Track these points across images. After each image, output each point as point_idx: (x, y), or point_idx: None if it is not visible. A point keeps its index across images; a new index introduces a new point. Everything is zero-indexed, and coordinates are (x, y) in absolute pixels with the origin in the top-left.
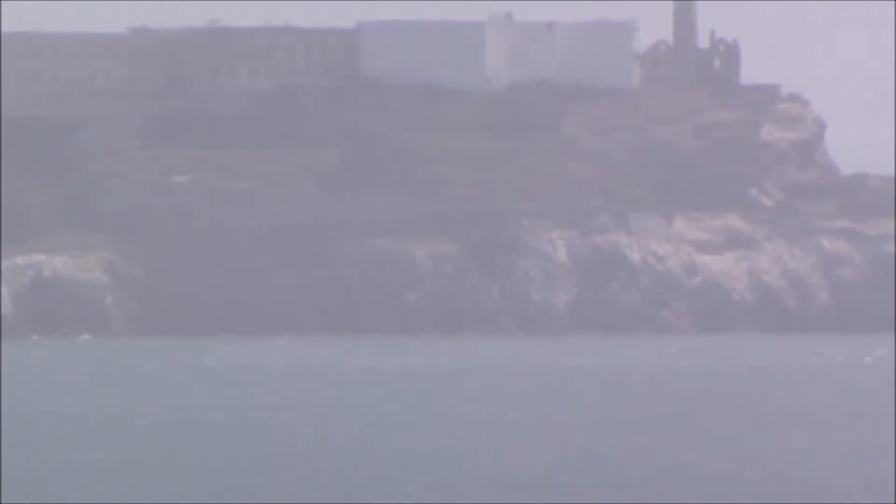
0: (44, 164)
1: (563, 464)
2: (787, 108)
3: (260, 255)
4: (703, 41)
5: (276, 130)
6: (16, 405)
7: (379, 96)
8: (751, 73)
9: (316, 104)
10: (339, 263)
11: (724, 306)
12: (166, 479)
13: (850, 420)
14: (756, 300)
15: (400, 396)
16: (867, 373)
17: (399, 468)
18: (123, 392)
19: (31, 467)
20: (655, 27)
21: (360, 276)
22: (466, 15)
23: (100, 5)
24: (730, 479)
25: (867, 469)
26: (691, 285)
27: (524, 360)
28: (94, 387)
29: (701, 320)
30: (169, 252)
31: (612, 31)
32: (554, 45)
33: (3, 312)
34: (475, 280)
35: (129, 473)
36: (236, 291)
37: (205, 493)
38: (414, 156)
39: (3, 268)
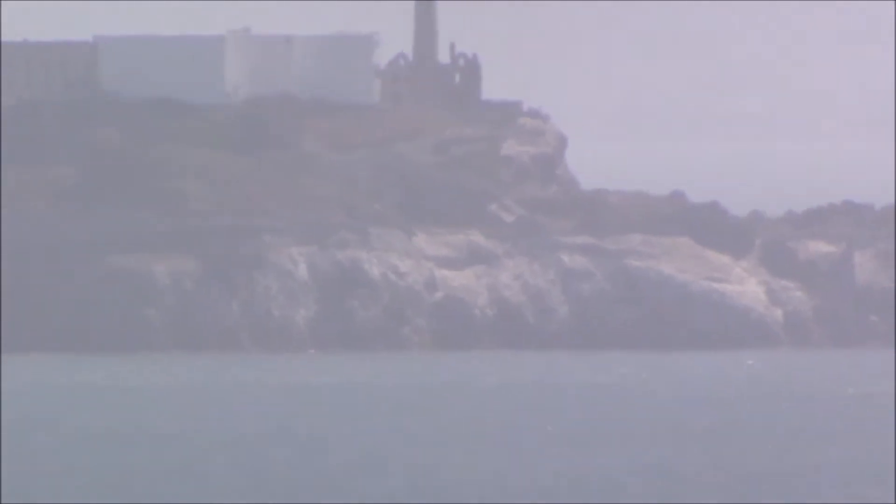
0: None
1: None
2: (528, 124)
3: None
4: (444, 56)
5: (14, 147)
6: None
7: (118, 111)
8: (492, 88)
9: (55, 119)
10: (78, 281)
11: (464, 322)
12: None
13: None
14: (496, 316)
15: (143, 413)
16: (612, 389)
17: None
18: None
19: None
20: (396, 41)
21: (98, 293)
22: (205, 29)
23: None
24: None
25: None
26: (432, 301)
27: (264, 377)
28: None
29: (441, 336)
30: None
31: (352, 45)
32: (293, 60)
33: None
34: (215, 296)
35: None
36: None
37: None
38: (153, 171)
39: None
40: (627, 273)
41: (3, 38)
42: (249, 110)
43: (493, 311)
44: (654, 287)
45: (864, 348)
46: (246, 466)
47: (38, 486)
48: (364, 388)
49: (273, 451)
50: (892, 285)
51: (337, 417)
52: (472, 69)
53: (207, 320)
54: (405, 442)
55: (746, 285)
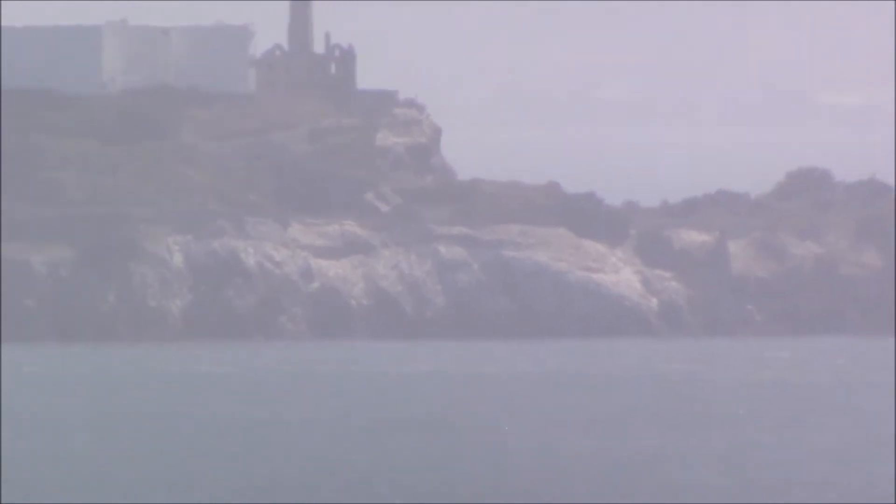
0: None
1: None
2: (404, 113)
3: None
4: (319, 46)
5: None
6: None
7: None
8: (368, 78)
9: None
10: None
11: (341, 312)
12: None
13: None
14: (373, 306)
15: (17, 402)
16: (490, 380)
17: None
18: None
19: None
20: (271, 31)
21: None
22: (83, 19)
23: None
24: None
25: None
26: (308, 291)
27: (140, 366)
28: None
29: (317, 326)
30: None
31: (228, 36)
32: (170, 50)
33: None
34: (91, 285)
35: None
36: None
37: None
38: (29, 161)
39: None
40: (504, 263)
41: None
42: (126, 100)
43: (370, 301)
44: (531, 277)
45: (740, 336)
46: (121, 455)
47: None
48: (239, 376)
49: (147, 437)
50: (767, 275)
51: (209, 404)
52: (347, 59)
53: (84, 309)
54: (277, 428)
55: (622, 275)
